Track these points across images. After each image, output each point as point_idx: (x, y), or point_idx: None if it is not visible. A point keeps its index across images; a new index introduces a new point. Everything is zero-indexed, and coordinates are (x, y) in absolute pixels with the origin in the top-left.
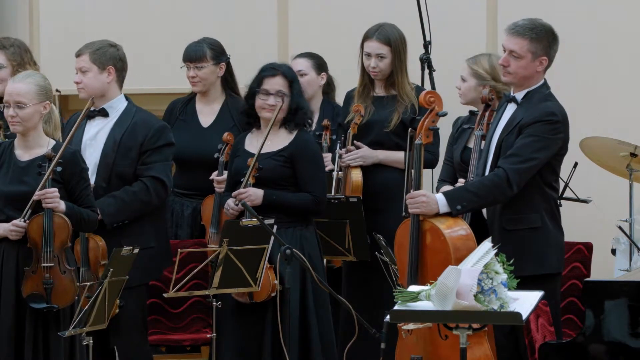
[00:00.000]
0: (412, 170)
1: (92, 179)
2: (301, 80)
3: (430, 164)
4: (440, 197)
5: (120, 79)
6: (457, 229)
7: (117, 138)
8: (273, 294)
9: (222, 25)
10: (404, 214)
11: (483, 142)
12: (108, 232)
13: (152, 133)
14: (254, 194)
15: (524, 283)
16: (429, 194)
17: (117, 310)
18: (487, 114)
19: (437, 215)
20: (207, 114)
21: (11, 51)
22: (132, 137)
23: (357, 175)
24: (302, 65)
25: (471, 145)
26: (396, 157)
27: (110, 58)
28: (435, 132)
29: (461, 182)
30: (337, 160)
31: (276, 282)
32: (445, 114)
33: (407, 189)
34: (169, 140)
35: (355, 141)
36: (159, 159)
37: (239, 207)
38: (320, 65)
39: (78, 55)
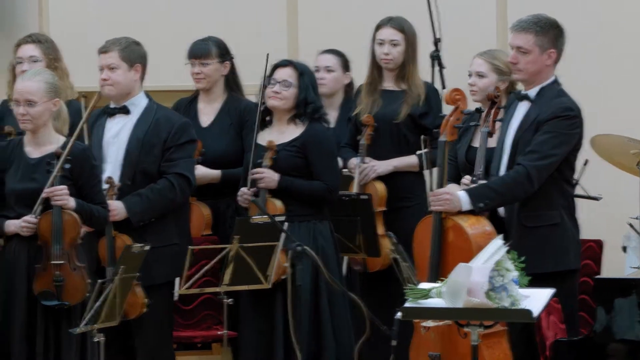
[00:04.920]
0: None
1: (116, 177)
2: (328, 76)
3: None
4: (463, 195)
5: (143, 77)
6: (480, 227)
7: (140, 135)
8: (283, 277)
9: (230, 24)
10: (428, 209)
11: (489, 140)
12: (132, 230)
13: (175, 130)
14: (270, 177)
15: (542, 280)
16: (453, 192)
17: (144, 310)
18: (492, 111)
19: (460, 212)
20: (207, 113)
21: (46, 46)
22: (155, 134)
23: (381, 187)
24: (330, 62)
25: (475, 143)
26: (409, 161)
27: (139, 56)
28: None
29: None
30: (357, 172)
31: (286, 264)
32: (470, 112)
33: (431, 187)
34: (192, 137)
35: (365, 157)
36: (182, 155)
37: (251, 191)
38: (346, 63)
39: (105, 51)
